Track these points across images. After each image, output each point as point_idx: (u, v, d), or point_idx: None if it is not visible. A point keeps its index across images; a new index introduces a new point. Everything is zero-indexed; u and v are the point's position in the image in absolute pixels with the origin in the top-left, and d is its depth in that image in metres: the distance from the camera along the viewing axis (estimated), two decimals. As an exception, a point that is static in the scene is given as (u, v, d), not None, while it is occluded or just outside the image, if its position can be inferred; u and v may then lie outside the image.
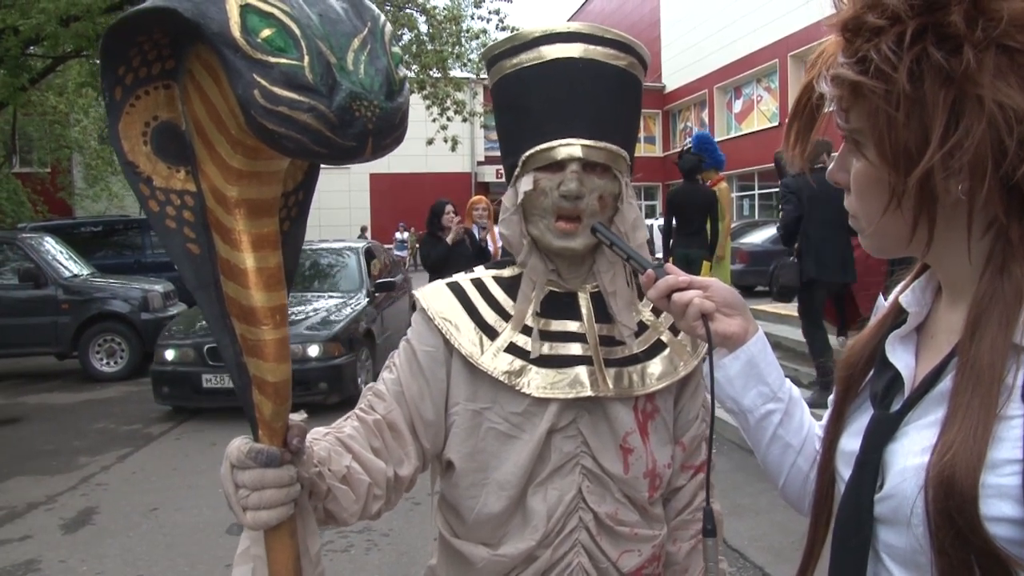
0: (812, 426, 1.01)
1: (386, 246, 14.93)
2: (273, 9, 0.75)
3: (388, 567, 3.96)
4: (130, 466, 5.72)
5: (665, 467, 1.27)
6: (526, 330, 1.23)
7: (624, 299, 1.25)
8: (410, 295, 8.05)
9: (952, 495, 0.68)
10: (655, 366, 1.26)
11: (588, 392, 1.20)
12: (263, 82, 0.74)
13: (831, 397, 0.95)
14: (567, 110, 1.20)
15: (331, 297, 7.94)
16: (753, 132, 24.39)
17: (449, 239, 6.66)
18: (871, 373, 0.89)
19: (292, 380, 0.97)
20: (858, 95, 0.75)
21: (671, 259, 7.38)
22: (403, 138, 0.83)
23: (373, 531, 4.28)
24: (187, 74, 0.86)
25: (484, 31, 13.40)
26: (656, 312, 1.29)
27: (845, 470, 0.85)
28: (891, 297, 0.92)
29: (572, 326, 1.25)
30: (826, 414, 0.95)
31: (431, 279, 5.42)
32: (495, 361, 1.21)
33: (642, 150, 28.71)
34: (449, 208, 6.93)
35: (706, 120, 27.11)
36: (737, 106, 26.26)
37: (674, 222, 7.55)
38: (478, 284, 1.29)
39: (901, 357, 0.84)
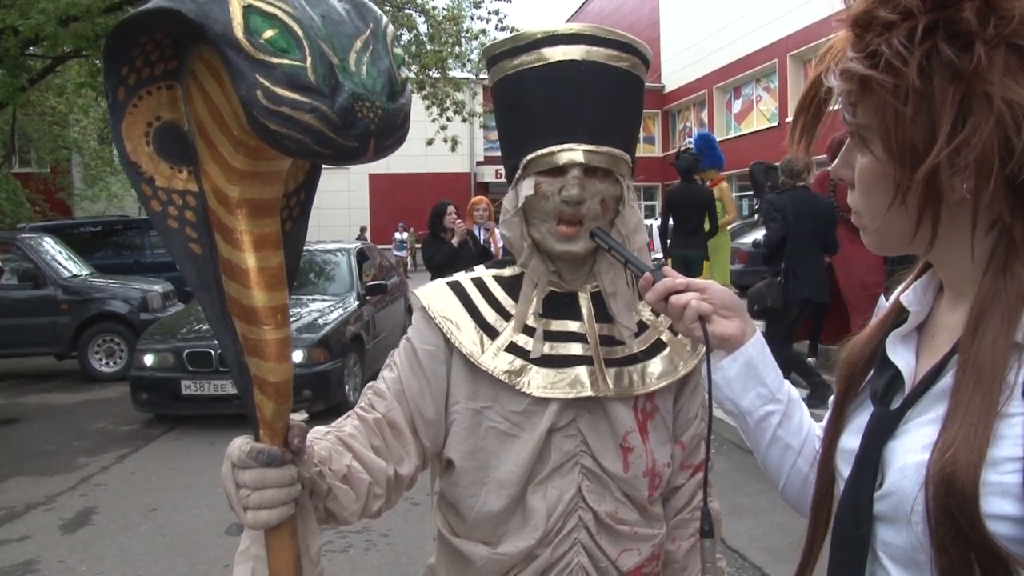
0: (812, 427, 1.01)
1: (382, 247, 14.89)
2: (276, 10, 0.75)
3: (387, 567, 3.96)
4: (129, 466, 5.72)
5: (665, 466, 1.27)
6: (527, 330, 1.24)
7: (624, 300, 1.25)
8: (406, 298, 7.99)
9: (953, 492, 0.69)
10: (655, 365, 1.26)
11: (588, 392, 1.20)
12: (266, 83, 0.74)
13: (832, 398, 0.95)
14: (569, 114, 1.20)
15: (320, 300, 7.65)
16: (752, 132, 24.40)
17: (455, 241, 6.63)
18: (871, 372, 0.89)
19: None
20: (867, 90, 0.75)
21: (669, 260, 7.36)
22: (405, 139, 0.84)
23: (372, 531, 4.28)
24: (190, 74, 0.86)
25: (483, 31, 13.40)
26: (656, 312, 1.29)
27: (845, 468, 0.85)
28: (892, 296, 0.93)
29: (572, 326, 1.25)
30: (826, 414, 0.95)
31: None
32: (495, 360, 1.21)
33: (641, 150, 28.56)
34: (451, 209, 6.90)
35: (705, 120, 27.13)
36: (736, 106, 26.28)
37: (671, 222, 7.52)
38: (479, 283, 1.30)
39: (902, 356, 0.84)
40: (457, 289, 1.29)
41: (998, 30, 0.69)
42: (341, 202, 28.93)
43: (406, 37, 12.90)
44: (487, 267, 1.34)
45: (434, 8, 13.05)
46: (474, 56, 13.41)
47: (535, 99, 1.22)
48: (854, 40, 0.75)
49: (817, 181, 6.10)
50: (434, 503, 1.35)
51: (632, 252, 1.21)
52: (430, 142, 13.92)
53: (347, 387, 6.88)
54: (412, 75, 12.86)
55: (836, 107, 0.82)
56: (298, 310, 7.31)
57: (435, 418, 1.23)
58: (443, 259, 6.52)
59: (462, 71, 14.11)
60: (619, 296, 1.25)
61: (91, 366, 8.99)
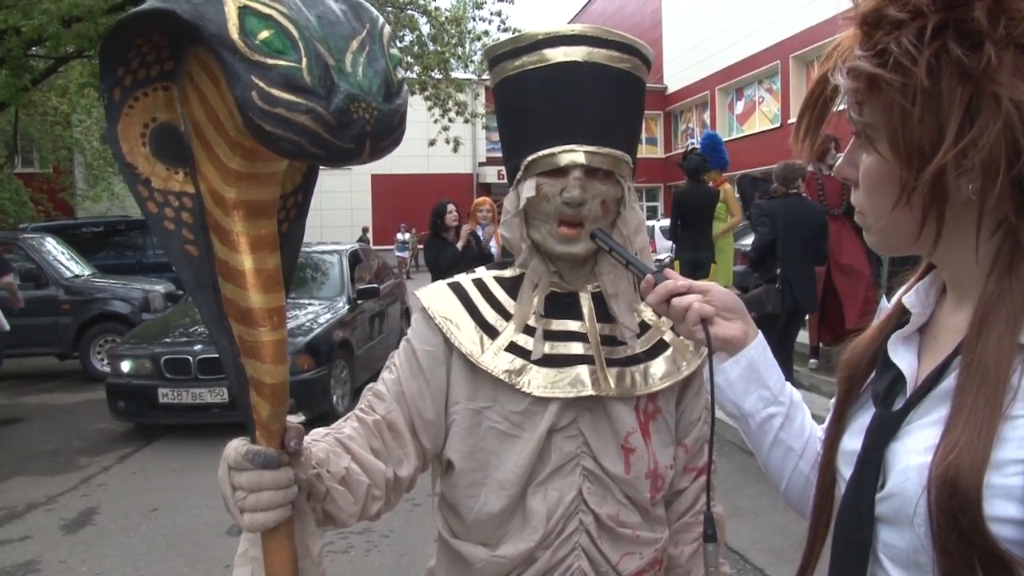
0: (814, 429, 1.01)
1: (384, 247, 14.85)
2: (271, 11, 0.75)
3: (388, 568, 3.96)
4: (130, 466, 5.72)
5: (667, 468, 1.26)
6: (527, 330, 1.23)
7: (626, 301, 1.25)
8: (403, 301, 7.86)
9: (956, 495, 0.68)
10: (658, 366, 1.26)
11: (589, 391, 1.19)
12: (261, 84, 0.74)
13: (832, 400, 0.94)
14: (570, 115, 1.19)
15: (307, 304, 7.25)
16: (755, 133, 24.38)
17: (459, 245, 6.60)
18: (873, 374, 0.89)
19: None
20: (874, 88, 0.74)
21: (678, 261, 7.31)
22: (401, 140, 0.83)
23: (373, 532, 4.28)
24: (186, 76, 0.86)
25: (486, 32, 13.40)
26: (659, 313, 1.29)
27: (846, 469, 0.85)
28: (894, 298, 0.92)
29: (573, 325, 1.25)
30: (828, 415, 0.95)
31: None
32: (495, 360, 1.21)
33: (643, 151, 28.60)
34: (451, 208, 6.87)
35: (708, 121, 27.09)
36: (739, 107, 26.25)
37: (679, 223, 7.46)
38: (479, 284, 1.29)
39: (903, 357, 0.84)
40: (457, 290, 1.28)
41: (1008, 30, 0.68)
42: (343, 203, 28.95)
43: (409, 38, 12.90)
44: (488, 268, 1.34)
45: (437, 9, 13.06)
46: (476, 57, 13.41)
47: (536, 100, 1.21)
48: (862, 38, 0.75)
49: (805, 182, 6.10)
50: (435, 504, 1.34)
51: (634, 253, 1.20)
52: (432, 143, 13.93)
53: (334, 396, 6.59)
54: (414, 76, 12.86)
55: (841, 107, 0.82)
56: (283, 314, 7.07)
57: (435, 419, 1.23)
58: (447, 261, 6.46)
59: (464, 72, 14.11)
60: (621, 297, 1.24)
61: (93, 366, 8.99)
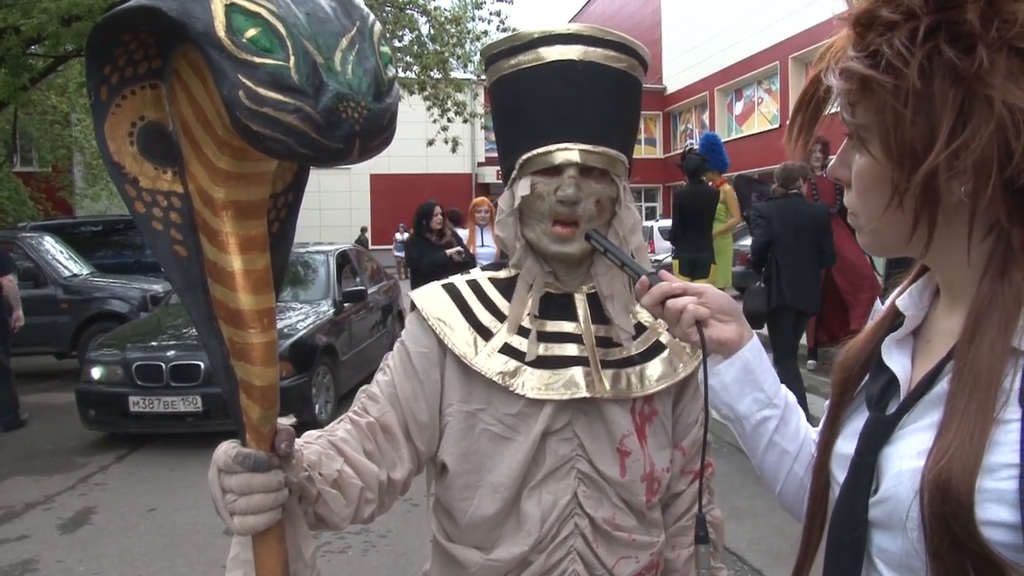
0: (808, 432, 1.01)
1: (383, 247, 14.80)
2: (259, 8, 0.74)
3: (386, 569, 3.95)
4: (128, 466, 5.72)
5: (664, 471, 1.26)
6: (522, 331, 1.23)
7: (621, 302, 1.24)
8: (396, 304, 7.67)
9: (948, 499, 0.68)
10: (654, 368, 1.25)
11: (584, 393, 1.19)
12: (248, 83, 0.73)
13: (827, 402, 0.94)
14: (565, 113, 1.19)
15: (289, 308, 6.90)
16: (754, 134, 24.38)
17: (449, 253, 6.56)
18: (867, 377, 0.88)
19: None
20: (866, 89, 0.74)
21: (677, 262, 7.29)
22: (391, 139, 0.82)
23: (371, 533, 4.27)
24: (174, 74, 0.85)
25: (485, 32, 13.40)
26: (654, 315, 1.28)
27: (840, 473, 0.85)
28: (888, 300, 0.92)
29: (568, 327, 1.24)
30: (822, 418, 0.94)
31: (419, 282, 5.33)
32: (489, 362, 1.20)
33: (642, 152, 28.70)
34: (437, 210, 6.80)
35: (707, 122, 27.10)
36: (738, 108, 26.25)
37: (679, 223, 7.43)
38: (473, 285, 1.29)
39: (897, 360, 0.84)
40: (452, 291, 1.28)
41: (1001, 33, 0.68)
42: (342, 202, 28.97)
43: (408, 38, 12.91)
44: (483, 269, 1.33)
45: (436, 9, 13.06)
46: (476, 57, 13.40)
47: (531, 99, 1.21)
48: (855, 39, 0.75)
49: None
50: (429, 507, 1.33)
51: (629, 253, 1.19)
52: (431, 143, 13.93)
53: (316, 405, 6.32)
54: (413, 75, 12.86)
55: (835, 110, 0.81)
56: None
57: (429, 421, 1.22)
58: (431, 264, 6.40)
59: (464, 72, 14.11)
60: (616, 298, 1.24)
61: (91, 366, 8.97)
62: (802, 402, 5.57)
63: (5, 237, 9.85)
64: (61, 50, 10.43)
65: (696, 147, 8.09)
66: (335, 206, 28.24)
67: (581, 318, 1.24)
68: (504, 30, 13.21)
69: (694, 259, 7.15)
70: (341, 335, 7.13)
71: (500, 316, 1.25)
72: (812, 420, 1.00)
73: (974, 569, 0.68)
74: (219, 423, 5.76)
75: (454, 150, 14.37)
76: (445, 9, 13.28)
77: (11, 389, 6.95)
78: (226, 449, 0.95)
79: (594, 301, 1.25)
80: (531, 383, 1.19)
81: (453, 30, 13.08)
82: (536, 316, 1.24)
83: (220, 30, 0.73)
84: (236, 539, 1.01)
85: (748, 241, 12.44)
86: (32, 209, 16.81)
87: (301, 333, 6.40)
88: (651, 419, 1.25)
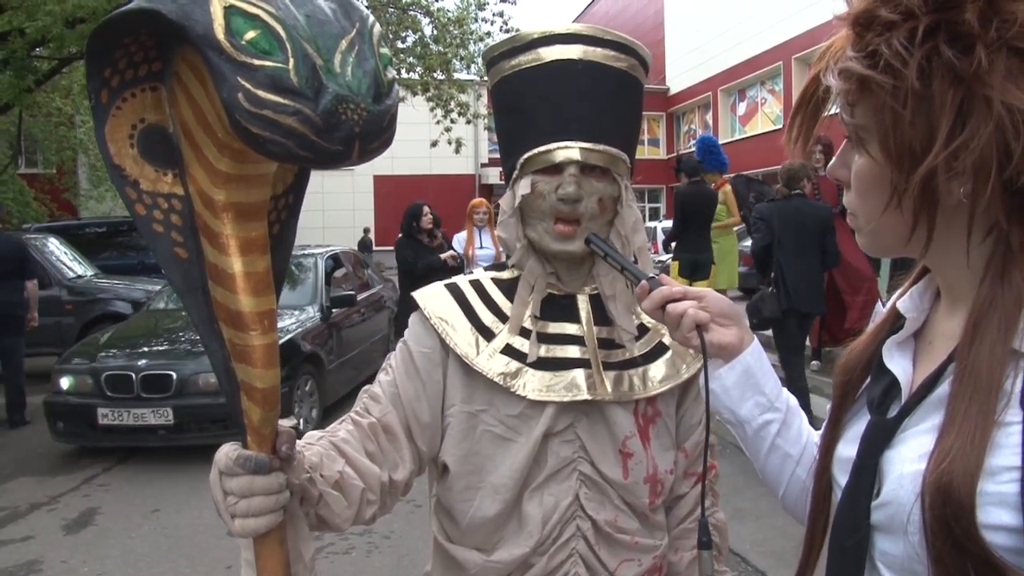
0: (811, 435, 1.00)
1: (382, 248, 14.74)
2: (258, 11, 0.74)
3: (389, 569, 3.95)
4: (132, 467, 5.73)
5: (667, 473, 1.25)
6: (524, 332, 1.22)
7: (624, 303, 1.24)
8: (392, 309, 7.37)
9: (949, 503, 0.68)
10: (657, 369, 1.25)
11: (585, 395, 1.18)
12: (247, 85, 0.73)
13: (827, 405, 0.94)
14: (565, 112, 1.19)
15: None
16: (757, 135, 24.34)
17: (443, 256, 6.53)
18: (868, 379, 0.88)
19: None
20: (865, 90, 0.74)
21: (676, 263, 7.27)
22: (391, 141, 0.82)
23: (374, 533, 4.27)
24: (174, 76, 0.85)
25: (488, 33, 13.41)
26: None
27: (842, 476, 0.84)
28: (889, 302, 0.91)
29: (570, 328, 1.24)
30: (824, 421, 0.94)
31: (411, 285, 5.24)
32: (491, 362, 1.20)
33: (646, 152, 28.65)
34: (426, 210, 6.73)
35: (710, 122, 27.06)
36: (741, 108, 26.20)
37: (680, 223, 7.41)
38: (476, 286, 1.29)
39: (898, 363, 0.83)
40: (454, 291, 1.28)
41: (1000, 33, 0.67)
42: (345, 204, 29.00)
43: (411, 39, 12.92)
44: (486, 270, 1.33)
45: (439, 10, 13.07)
46: (479, 58, 13.41)
47: (532, 99, 1.21)
48: (854, 39, 0.74)
49: None
50: (431, 508, 1.33)
51: (632, 254, 1.19)
52: (434, 144, 13.94)
53: (298, 418, 6.04)
54: (416, 77, 12.87)
55: (834, 111, 0.81)
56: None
57: (431, 422, 1.22)
58: (425, 268, 6.33)
59: (467, 73, 14.12)
60: (619, 299, 1.23)
61: (95, 367, 8.98)
62: (805, 403, 5.55)
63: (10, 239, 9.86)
64: (66, 52, 10.46)
65: (694, 150, 8.07)
66: (338, 207, 28.28)
67: (583, 319, 1.24)
68: (507, 31, 13.21)
69: (695, 260, 7.11)
70: (328, 342, 6.78)
71: (502, 317, 1.25)
72: (815, 421, 1.00)
73: (976, 572, 0.68)
74: (193, 436, 5.56)
75: (457, 151, 14.37)
76: (448, 10, 13.29)
77: (23, 389, 6.97)
78: (227, 451, 0.95)
79: (597, 302, 1.25)
80: (532, 384, 1.19)
81: (456, 31, 13.09)
82: (538, 317, 1.24)
83: (219, 32, 0.73)
84: (242, 540, 1.01)
85: (747, 242, 12.45)
86: (37, 210, 16.84)
87: (282, 340, 5.90)
88: (655, 421, 1.25)
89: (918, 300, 0.85)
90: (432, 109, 13.59)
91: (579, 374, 1.20)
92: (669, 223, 8.94)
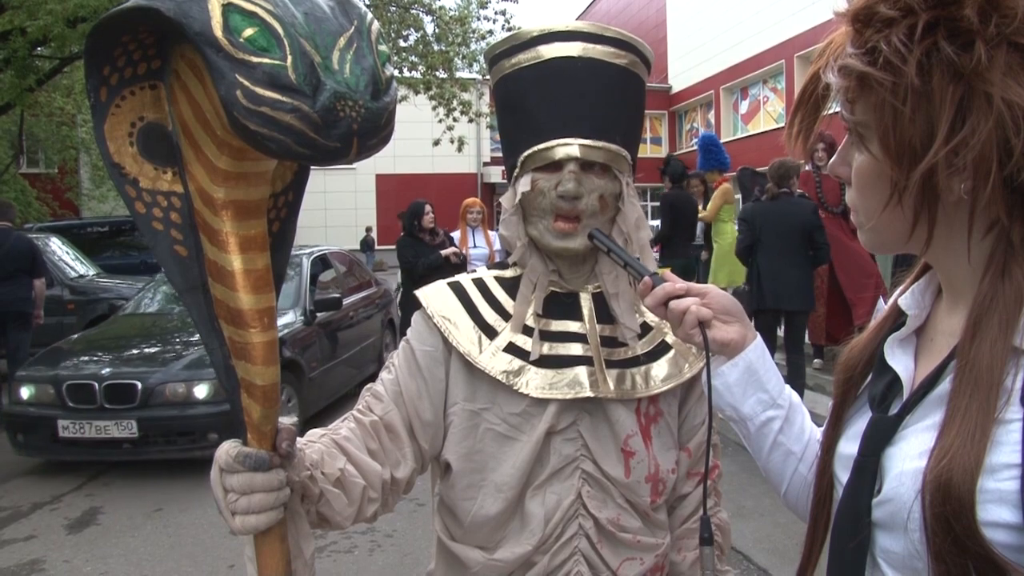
0: (813, 432, 1.00)
1: (384, 247, 14.71)
2: (256, 8, 0.74)
3: (391, 568, 3.95)
4: (134, 466, 5.72)
5: (669, 472, 1.25)
6: (526, 330, 1.22)
7: (627, 301, 1.23)
8: (387, 312, 7.10)
9: (949, 500, 0.67)
10: (659, 368, 1.24)
11: (587, 392, 1.18)
12: (245, 82, 0.73)
13: (830, 403, 0.93)
14: (565, 109, 1.19)
15: None
16: (759, 133, 24.32)
17: (444, 252, 6.51)
18: (870, 376, 0.88)
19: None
20: (865, 87, 0.74)
21: (668, 269, 7.28)
22: (390, 138, 0.82)
23: (377, 532, 4.28)
24: (173, 74, 0.85)
25: (490, 32, 13.40)
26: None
27: (843, 474, 0.84)
28: (891, 299, 0.91)
29: (573, 326, 1.23)
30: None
31: (414, 284, 5.17)
32: (493, 360, 1.20)
33: (648, 151, 28.60)
34: (428, 208, 6.68)
35: (712, 121, 27.03)
36: (743, 107, 26.18)
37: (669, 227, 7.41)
38: (479, 284, 1.29)
39: (900, 360, 0.83)
40: (457, 289, 1.28)
41: (999, 29, 0.67)
42: (347, 203, 29.02)
43: (413, 37, 12.92)
44: (488, 268, 1.33)
45: (441, 8, 13.06)
46: (481, 57, 13.41)
47: (532, 96, 1.21)
48: (854, 36, 0.74)
49: (801, 179, 6.08)
50: (434, 507, 1.33)
51: (635, 251, 1.19)
52: (437, 143, 13.94)
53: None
54: (419, 75, 12.87)
55: (834, 110, 0.81)
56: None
57: (433, 420, 1.22)
58: (426, 267, 6.28)
59: (469, 71, 14.12)
60: (622, 297, 1.23)
61: (97, 366, 8.98)
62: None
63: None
64: (67, 52, 10.47)
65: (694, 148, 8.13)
66: (340, 206, 28.30)
67: (586, 317, 1.24)
68: (509, 29, 13.19)
69: (686, 265, 7.17)
70: (309, 349, 6.28)
71: (505, 315, 1.24)
72: (817, 419, 1.00)
73: (976, 570, 0.68)
74: (158, 450, 5.21)
75: (460, 149, 14.37)
76: (450, 8, 13.28)
77: None
78: (227, 448, 0.95)
79: (599, 300, 1.25)
80: (535, 382, 1.19)
81: (458, 29, 13.08)
82: (540, 315, 1.23)
83: (217, 30, 0.73)
84: (245, 537, 1.01)
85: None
86: (39, 210, 16.87)
87: None
88: (656, 420, 1.25)
89: (919, 297, 0.85)
90: (434, 108, 13.59)
91: (582, 371, 1.20)
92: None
